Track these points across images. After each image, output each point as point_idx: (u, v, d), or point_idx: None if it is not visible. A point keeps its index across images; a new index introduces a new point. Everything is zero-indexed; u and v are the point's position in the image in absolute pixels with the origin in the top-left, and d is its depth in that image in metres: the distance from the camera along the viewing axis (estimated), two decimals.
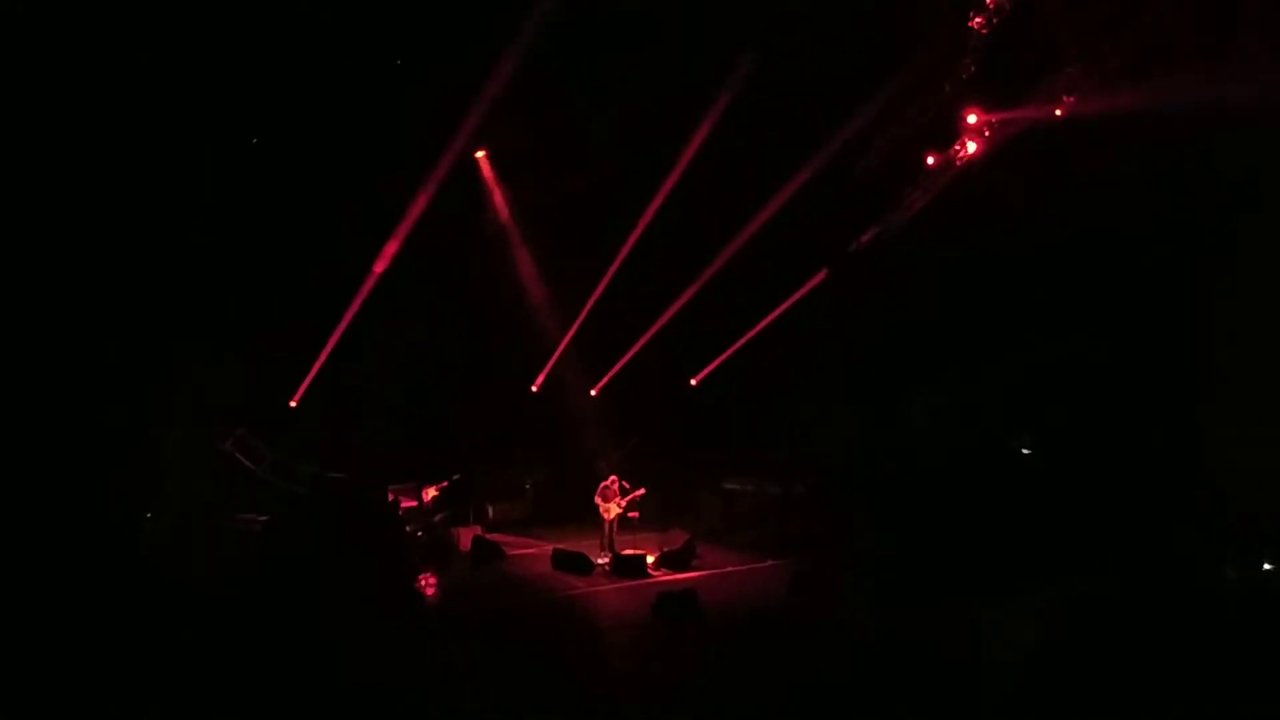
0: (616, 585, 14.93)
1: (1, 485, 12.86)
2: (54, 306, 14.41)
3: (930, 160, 17.07)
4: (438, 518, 17.49)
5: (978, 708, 9.14)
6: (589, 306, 20.69)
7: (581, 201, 18.45)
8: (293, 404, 19.36)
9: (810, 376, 19.14)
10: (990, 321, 16.82)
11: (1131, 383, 15.30)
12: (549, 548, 16.82)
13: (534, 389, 22.05)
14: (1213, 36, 13.04)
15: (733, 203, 18.72)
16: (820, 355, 19.03)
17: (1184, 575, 12.00)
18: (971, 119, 16.07)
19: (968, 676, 9.70)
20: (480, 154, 19.10)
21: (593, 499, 16.84)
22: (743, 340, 20.93)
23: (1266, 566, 12.14)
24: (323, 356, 19.00)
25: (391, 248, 18.20)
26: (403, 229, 17.94)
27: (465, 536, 17.54)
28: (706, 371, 22.09)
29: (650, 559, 15.80)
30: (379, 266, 18.39)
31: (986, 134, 16.14)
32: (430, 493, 17.66)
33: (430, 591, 14.05)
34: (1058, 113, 15.04)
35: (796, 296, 20.00)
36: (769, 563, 15.98)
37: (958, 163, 16.61)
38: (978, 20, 14.91)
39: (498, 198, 19.87)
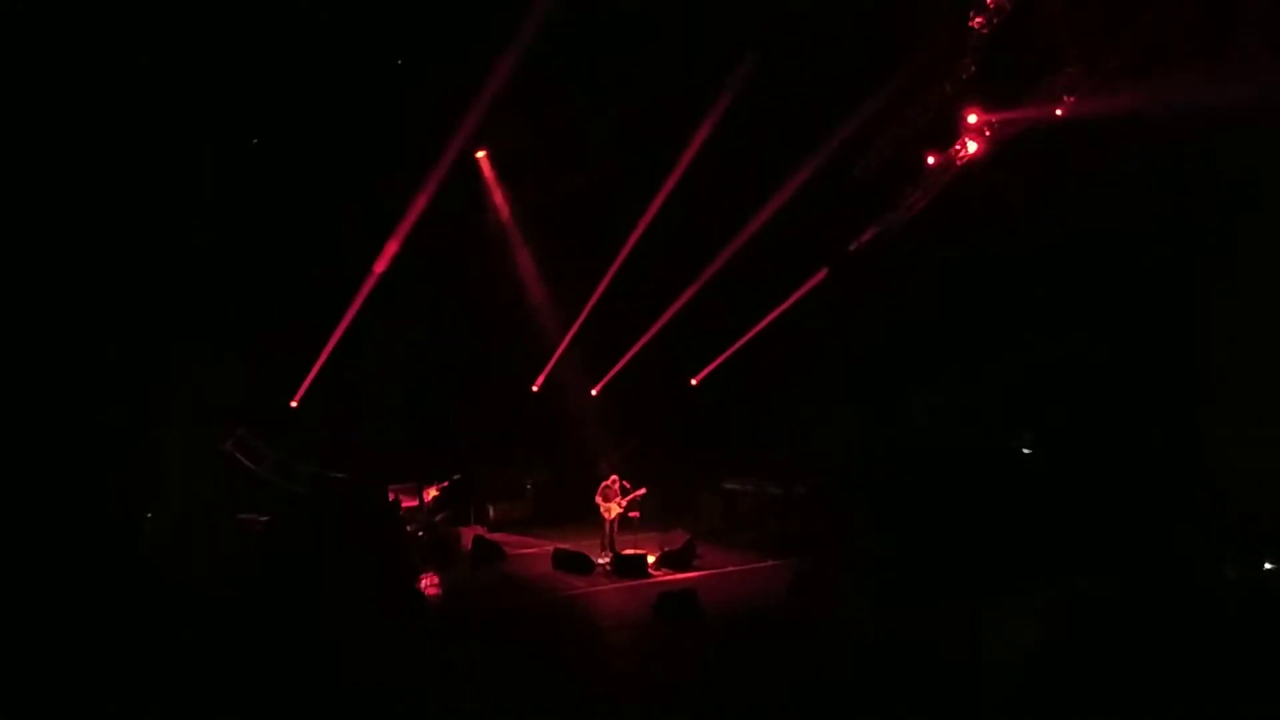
0: (617, 585, 14.93)
1: (2, 485, 12.86)
2: (54, 306, 14.41)
3: (930, 160, 17.08)
4: (438, 518, 17.50)
5: (978, 708, 9.14)
6: (589, 306, 20.71)
7: (581, 201, 18.44)
8: (293, 404, 19.38)
9: (810, 376, 19.15)
10: (990, 321, 16.83)
11: (1131, 383, 15.30)
12: (549, 547, 16.83)
13: (534, 389, 22.07)
14: (1213, 36, 13.04)
15: (733, 202, 18.72)
16: (820, 355, 19.04)
17: (1184, 575, 11.98)
18: (971, 119, 16.09)
19: (968, 676, 9.70)
20: (480, 154, 19.10)
21: (593, 499, 16.86)
22: (743, 340, 20.95)
23: (1267, 566, 12.14)
24: (323, 356, 19.02)
25: (391, 248, 18.21)
26: (403, 229, 17.95)
27: (466, 536, 17.57)
28: (707, 371, 22.11)
29: (651, 559, 15.80)
30: (379, 266, 18.39)
31: (986, 134, 16.16)
32: (431, 493, 17.68)
33: (433, 592, 14.06)
34: (1058, 113, 15.06)
35: (796, 296, 20.01)
36: (769, 563, 15.98)
37: (958, 163, 16.62)
38: (978, 20, 14.92)
39: (498, 198, 19.87)
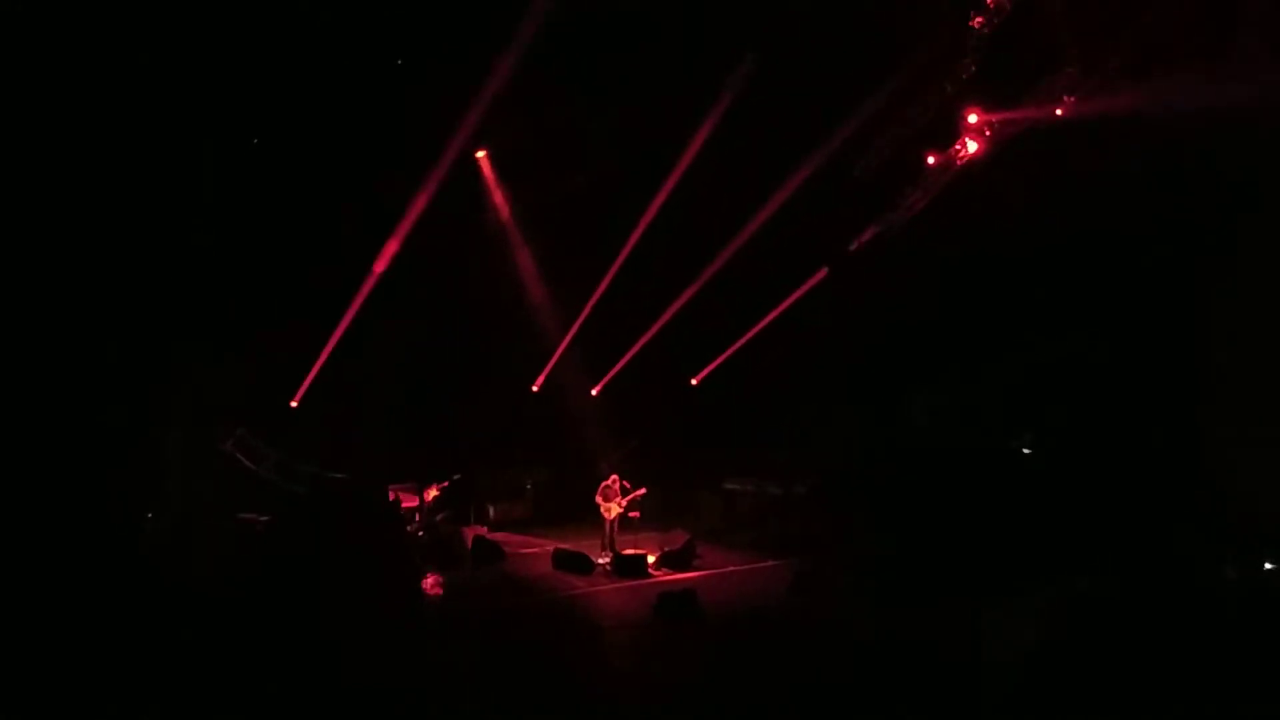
0: (617, 585, 14.93)
1: (2, 485, 12.86)
2: (54, 306, 14.41)
3: (930, 160, 17.09)
4: (439, 517, 17.50)
5: (978, 708, 9.15)
6: (589, 306, 20.70)
7: (581, 201, 18.44)
8: (293, 404, 19.37)
9: (810, 376, 19.15)
10: (990, 321, 16.83)
11: (1131, 383, 15.30)
12: (550, 547, 16.83)
13: (535, 389, 22.06)
14: (1213, 36, 13.04)
15: (733, 202, 18.72)
16: (820, 355, 19.04)
17: (1184, 575, 11.99)
18: (972, 119, 16.11)
19: (968, 676, 9.70)
20: (480, 154, 19.10)
21: (593, 499, 16.86)
22: (743, 340, 20.95)
23: (1267, 566, 12.14)
24: (323, 356, 19.00)
25: (391, 248, 18.20)
26: (403, 229, 17.94)
27: (467, 536, 17.55)
28: (707, 371, 22.11)
29: (651, 559, 15.81)
30: (379, 266, 18.38)
31: (987, 134, 16.16)
32: (431, 493, 17.67)
33: (437, 592, 14.06)
34: (1058, 113, 15.06)
35: (796, 296, 20.01)
36: (769, 563, 15.98)
37: (958, 162, 16.64)
38: (978, 20, 14.93)
39: (498, 198, 19.87)
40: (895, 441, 18.25)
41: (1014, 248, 16.01)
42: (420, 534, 16.63)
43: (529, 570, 16.13)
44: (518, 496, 21.30)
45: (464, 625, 12.87)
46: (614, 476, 16.83)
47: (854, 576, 13.94)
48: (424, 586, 13.97)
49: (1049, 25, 14.46)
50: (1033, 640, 9.87)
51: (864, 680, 9.95)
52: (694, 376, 22.34)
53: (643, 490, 16.78)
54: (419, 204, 17.60)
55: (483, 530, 19.28)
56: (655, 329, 20.75)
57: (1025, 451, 17.15)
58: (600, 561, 15.91)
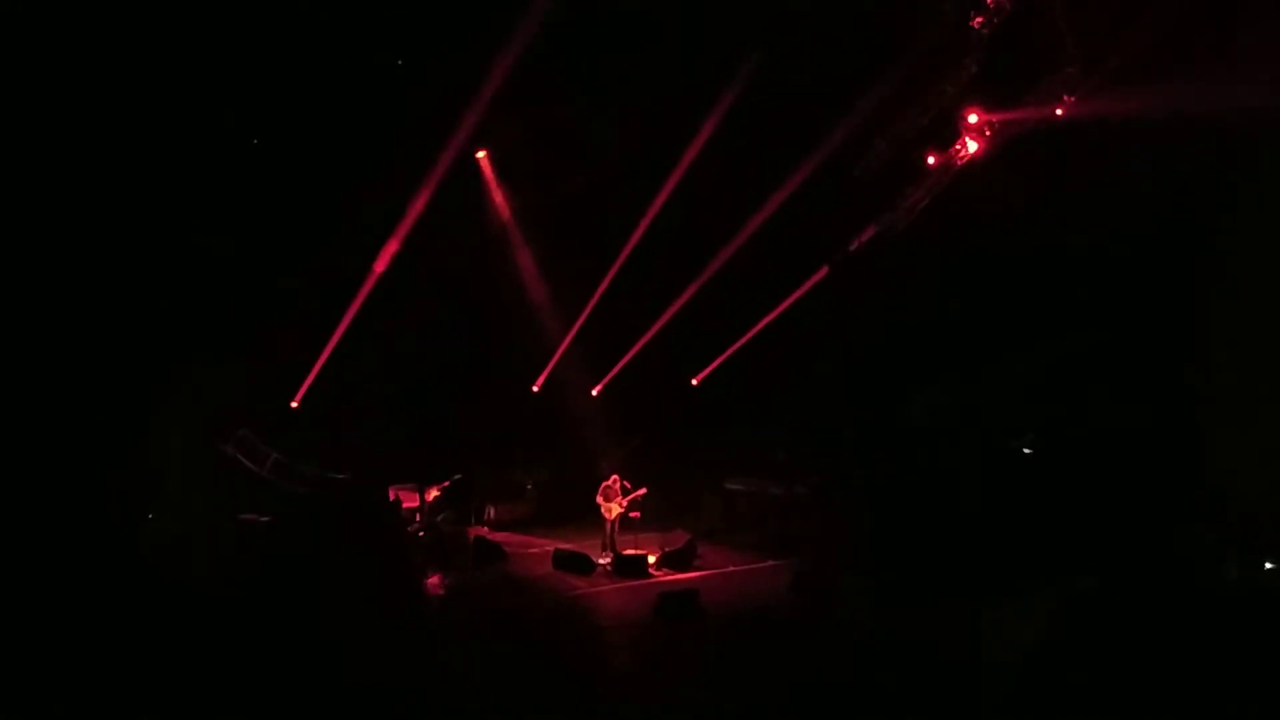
0: (618, 585, 14.94)
1: (2, 485, 12.87)
2: (55, 307, 14.41)
3: (930, 160, 17.08)
4: (439, 518, 17.50)
5: (978, 708, 9.15)
6: (590, 306, 20.70)
7: (582, 201, 18.45)
8: (294, 404, 19.37)
9: (810, 376, 19.14)
10: (990, 321, 16.82)
11: (1131, 383, 15.29)
12: (550, 547, 16.84)
13: (535, 389, 22.07)
14: (1213, 36, 13.04)
15: (733, 202, 18.73)
16: (820, 355, 19.03)
17: (1184, 575, 11.99)
18: (972, 119, 16.10)
19: (968, 676, 9.71)
20: (481, 154, 19.10)
21: (594, 499, 16.87)
22: (743, 340, 20.95)
23: (1267, 566, 12.15)
24: (324, 357, 19.01)
25: (391, 248, 18.21)
26: (403, 229, 17.95)
27: (468, 537, 17.53)
28: (708, 371, 22.11)
29: (652, 559, 15.82)
30: (379, 266, 18.39)
31: (987, 134, 16.15)
32: (431, 493, 17.68)
33: (440, 592, 14.05)
34: (1058, 113, 15.05)
35: (796, 296, 20.01)
36: (770, 563, 15.99)
37: (958, 163, 16.63)
38: (978, 20, 14.93)
39: (498, 198, 19.88)
40: (895, 441, 18.24)
41: (1014, 248, 16.01)
42: (421, 534, 16.63)
43: (530, 570, 16.14)
44: (518, 497, 21.31)
45: (464, 625, 12.88)
46: (615, 476, 16.84)
47: (854, 576, 13.94)
48: (427, 586, 13.97)
49: (1049, 25, 14.46)
50: (1033, 640, 9.88)
51: (864, 680, 9.96)
52: (695, 376, 22.35)
53: (643, 490, 16.78)
54: (419, 204, 17.62)
55: (483, 530, 19.29)
56: (656, 329, 20.77)
57: (1025, 451, 17.14)
58: (601, 562, 15.92)
